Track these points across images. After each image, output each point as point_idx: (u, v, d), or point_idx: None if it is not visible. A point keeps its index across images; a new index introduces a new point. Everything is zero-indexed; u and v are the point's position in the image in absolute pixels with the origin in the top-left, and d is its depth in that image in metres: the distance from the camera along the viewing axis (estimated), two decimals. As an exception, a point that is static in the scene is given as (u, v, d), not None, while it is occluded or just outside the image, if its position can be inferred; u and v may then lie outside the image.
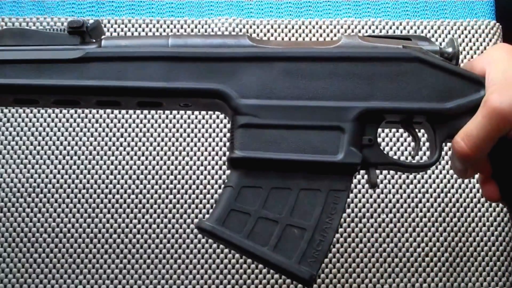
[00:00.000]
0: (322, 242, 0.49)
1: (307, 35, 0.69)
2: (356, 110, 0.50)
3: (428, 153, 0.65)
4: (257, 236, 0.48)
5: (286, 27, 0.69)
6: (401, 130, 0.65)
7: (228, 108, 0.51)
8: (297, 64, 0.51)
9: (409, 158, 0.65)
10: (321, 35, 0.69)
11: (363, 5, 0.72)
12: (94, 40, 0.52)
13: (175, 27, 0.69)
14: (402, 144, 0.66)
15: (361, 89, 0.51)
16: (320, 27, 0.70)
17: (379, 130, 0.55)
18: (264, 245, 0.48)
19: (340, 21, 0.70)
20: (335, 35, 0.69)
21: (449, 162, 0.65)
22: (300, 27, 0.69)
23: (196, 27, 0.69)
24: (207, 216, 0.59)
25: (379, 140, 0.64)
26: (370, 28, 0.70)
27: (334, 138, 0.50)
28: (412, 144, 0.64)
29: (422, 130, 0.57)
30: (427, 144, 0.65)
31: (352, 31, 0.70)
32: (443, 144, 0.52)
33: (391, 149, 0.66)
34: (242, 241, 0.48)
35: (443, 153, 0.65)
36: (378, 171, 0.64)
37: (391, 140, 0.66)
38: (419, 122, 0.52)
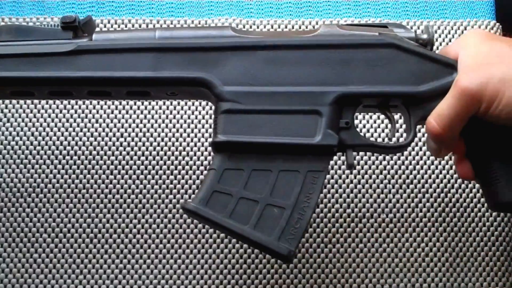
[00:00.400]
0: (300, 220, 0.52)
1: (307, 35, 0.69)
2: (333, 95, 0.53)
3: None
4: (238, 216, 0.51)
5: (286, 27, 0.69)
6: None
7: (212, 96, 0.53)
8: (277, 52, 0.54)
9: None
10: (321, 35, 0.69)
11: (363, 5, 0.72)
12: (86, 35, 0.55)
13: (175, 27, 0.69)
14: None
15: (338, 75, 0.53)
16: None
17: (357, 114, 0.57)
18: (245, 223, 0.51)
19: (340, 21, 0.70)
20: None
21: (449, 162, 0.65)
22: (300, 27, 0.69)
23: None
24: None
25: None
26: (370, 28, 0.70)
27: (312, 121, 0.52)
28: (389, 126, 0.65)
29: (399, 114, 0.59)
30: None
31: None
32: (418, 126, 0.54)
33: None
34: (224, 221, 0.51)
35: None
36: (375, 169, 0.65)
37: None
38: (395, 105, 0.54)
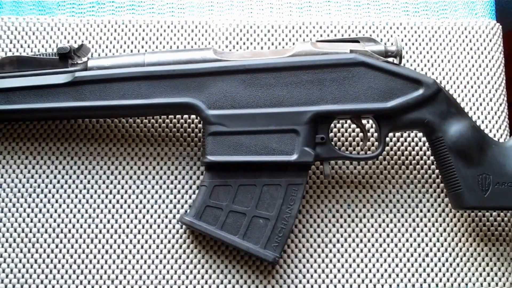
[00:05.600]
0: (284, 229, 0.58)
1: (307, 35, 0.69)
2: (309, 114, 0.57)
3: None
4: (229, 227, 0.58)
5: (286, 27, 0.69)
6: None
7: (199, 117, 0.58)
8: (255, 75, 0.58)
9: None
10: (321, 35, 0.69)
11: (363, 5, 0.72)
12: (81, 59, 0.60)
13: (175, 27, 0.69)
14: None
15: (312, 94, 0.58)
16: (321, 27, 0.69)
17: (331, 126, 0.63)
18: (235, 234, 0.58)
19: (340, 21, 0.70)
20: (335, 35, 0.69)
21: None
22: (300, 28, 0.69)
23: (196, 27, 0.69)
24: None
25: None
26: (370, 28, 0.70)
27: (290, 140, 0.57)
28: (361, 135, 0.66)
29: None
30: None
31: (352, 31, 0.70)
32: (388, 137, 0.60)
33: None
34: (216, 232, 0.58)
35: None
36: (375, 169, 0.65)
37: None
38: (367, 117, 0.60)
